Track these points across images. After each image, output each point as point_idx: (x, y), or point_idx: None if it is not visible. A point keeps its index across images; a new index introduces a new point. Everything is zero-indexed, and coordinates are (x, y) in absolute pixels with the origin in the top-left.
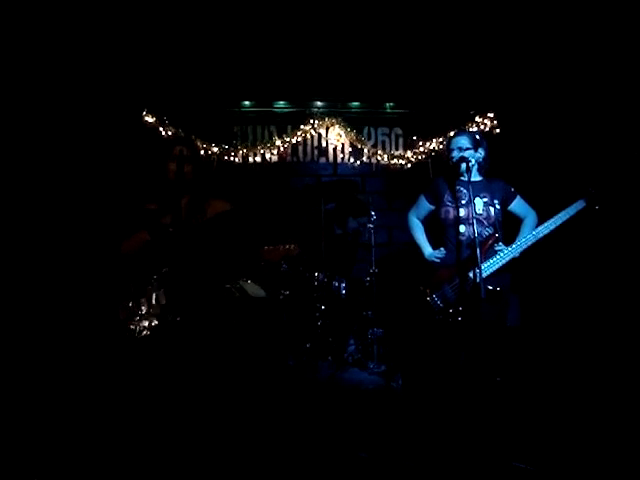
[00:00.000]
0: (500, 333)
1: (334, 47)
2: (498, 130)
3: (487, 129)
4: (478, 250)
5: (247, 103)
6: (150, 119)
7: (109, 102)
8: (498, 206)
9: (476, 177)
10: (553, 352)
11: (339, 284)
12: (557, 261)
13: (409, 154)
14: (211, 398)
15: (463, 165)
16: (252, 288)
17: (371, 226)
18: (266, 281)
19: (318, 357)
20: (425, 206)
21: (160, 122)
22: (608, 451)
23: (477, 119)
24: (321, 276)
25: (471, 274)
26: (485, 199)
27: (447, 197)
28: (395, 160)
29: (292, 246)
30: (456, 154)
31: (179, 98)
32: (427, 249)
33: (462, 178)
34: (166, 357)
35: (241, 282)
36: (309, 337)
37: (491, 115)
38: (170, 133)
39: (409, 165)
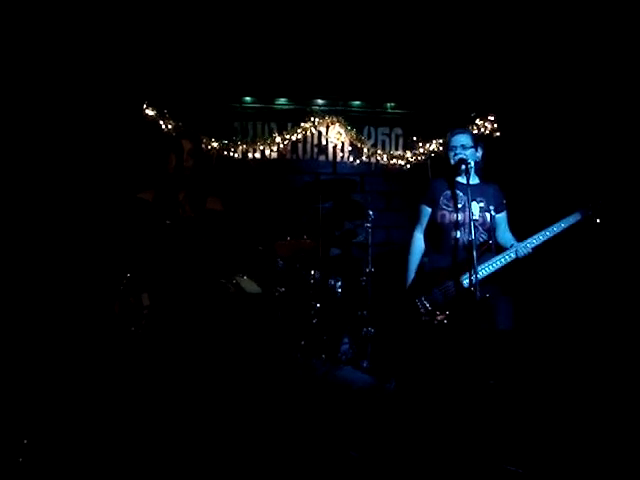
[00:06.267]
0: (490, 338)
1: (336, 46)
2: (498, 133)
3: (487, 132)
4: (475, 254)
5: (248, 99)
6: (151, 112)
7: (110, 94)
8: (493, 212)
9: (474, 180)
10: (546, 355)
11: (335, 282)
12: (550, 264)
13: (409, 155)
14: (204, 394)
15: (462, 167)
16: (247, 284)
17: (369, 225)
18: (262, 277)
19: (312, 355)
20: (427, 213)
21: (161, 116)
22: (601, 454)
23: (477, 122)
24: (317, 274)
25: (461, 278)
26: (481, 204)
27: (442, 200)
28: (395, 160)
29: (307, 240)
30: (459, 151)
31: (180, 92)
32: (410, 280)
33: (460, 180)
34: (159, 352)
35: (237, 278)
36: (303, 335)
37: (492, 118)
38: (170, 127)
39: (408, 166)
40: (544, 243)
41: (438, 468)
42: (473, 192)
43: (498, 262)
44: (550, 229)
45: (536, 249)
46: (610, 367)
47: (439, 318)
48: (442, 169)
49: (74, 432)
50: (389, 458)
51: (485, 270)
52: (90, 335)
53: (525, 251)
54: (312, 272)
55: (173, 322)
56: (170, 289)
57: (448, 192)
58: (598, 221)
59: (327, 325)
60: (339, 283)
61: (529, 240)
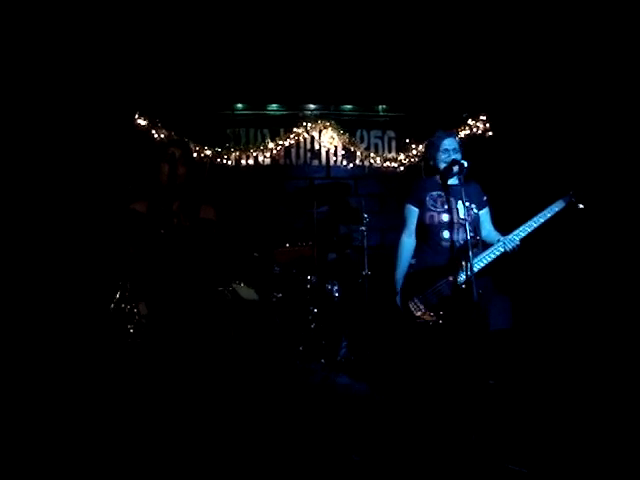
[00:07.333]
0: (483, 336)
1: (327, 50)
2: (491, 133)
3: (480, 132)
4: (470, 254)
5: (240, 106)
6: (142, 122)
7: (101, 104)
8: (476, 210)
9: (454, 181)
10: (546, 354)
11: (332, 287)
12: (548, 263)
13: (402, 157)
14: (203, 401)
15: (455, 168)
16: (245, 291)
17: (364, 229)
18: (259, 284)
19: (311, 360)
20: (415, 214)
21: (152, 125)
22: (602, 453)
23: (470, 122)
24: (314, 279)
25: (452, 278)
26: (466, 203)
27: (429, 200)
28: (388, 163)
29: (306, 247)
30: (452, 154)
31: (172, 101)
32: (399, 284)
33: (449, 182)
34: (158, 361)
35: (234, 285)
36: (302, 340)
37: (484, 118)
38: (163, 136)
39: (402, 168)
40: (534, 236)
41: (441, 469)
42: (457, 192)
43: (487, 257)
44: (535, 219)
45: (524, 241)
46: (609, 364)
47: (434, 319)
48: (434, 171)
49: (73, 436)
50: (391, 460)
51: (475, 267)
52: (88, 345)
53: (513, 244)
54: (309, 277)
55: (171, 331)
56: (167, 298)
57: (434, 193)
58: (581, 207)
59: (325, 329)
60: (336, 287)
61: (515, 232)
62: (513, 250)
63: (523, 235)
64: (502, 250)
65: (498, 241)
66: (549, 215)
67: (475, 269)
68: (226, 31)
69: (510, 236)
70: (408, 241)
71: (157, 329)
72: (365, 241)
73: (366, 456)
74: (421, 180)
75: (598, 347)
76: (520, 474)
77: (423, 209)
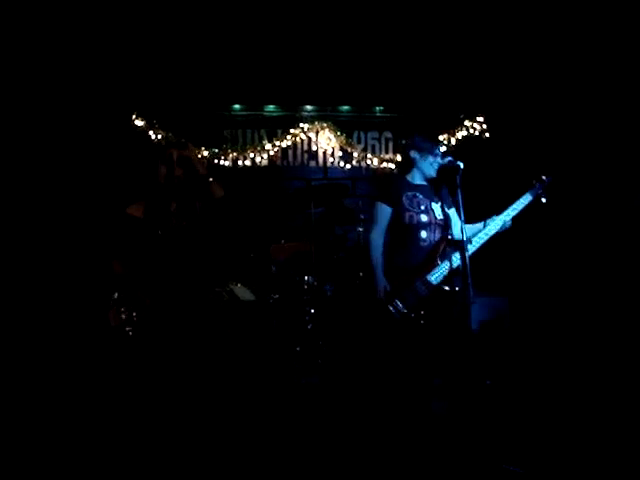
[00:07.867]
0: (464, 334)
1: (324, 51)
2: (488, 134)
3: (477, 133)
4: (467, 254)
5: (237, 107)
6: (140, 122)
7: (98, 105)
8: (447, 210)
9: (422, 181)
10: (543, 354)
11: (329, 288)
12: (545, 263)
13: (399, 158)
14: (200, 403)
15: (449, 169)
16: (241, 292)
17: (361, 229)
18: (256, 284)
19: (308, 360)
20: (388, 213)
21: (150, 126)
22: (598, 453)
23: (466, 123)
24: (311, 279)
25: (429, 277)
26: (439, 203)
27: (405, 200)
28: (385, 164)
29: (304, 243)
30: (439, 159)
31: (169, 102)
32: (383, 280)
33: (418, 182)
34: (155, 362)
35: (231, 285)
36: (299, 341)
37: (481, 119)
38: (160, 137)
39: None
40: (532, 236)
41: (438, 469)
42: (429, 192)
43: (483, 237)
44: (504, 215)
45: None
46: (607, 363)
47: (415, 318)
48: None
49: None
50: (388, 461)
51: (475, 245)
52: (87, 347)
53: (506, 224)
54: (306, 278)
55: (168, 332)
56: (165, 298)
57: (409, 193)
58: (544, 201)
59: (322, 330)
60: (332, 288)
61: (505, 212)
62: (506, 229)
63: (514, 214)
64: (497, 229)
65: (485, 225)
66: (516, 211)
67: (475, 247)
68: (223, 32)
69: (502, 215)
70: (379, 240)
71: (155, 330)
72: (362, 241)
73: (363, 456)
74: (396, 179)
75: (596, 346)
76: (516, 474)
77: (400, 209)
